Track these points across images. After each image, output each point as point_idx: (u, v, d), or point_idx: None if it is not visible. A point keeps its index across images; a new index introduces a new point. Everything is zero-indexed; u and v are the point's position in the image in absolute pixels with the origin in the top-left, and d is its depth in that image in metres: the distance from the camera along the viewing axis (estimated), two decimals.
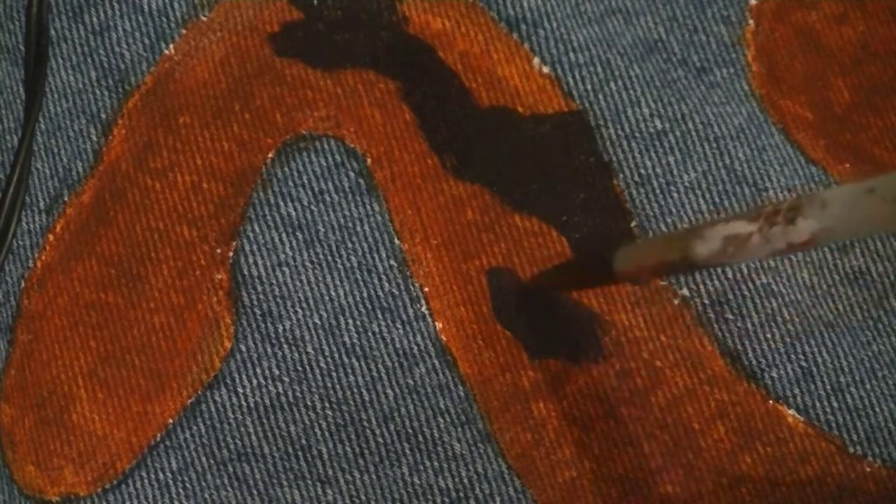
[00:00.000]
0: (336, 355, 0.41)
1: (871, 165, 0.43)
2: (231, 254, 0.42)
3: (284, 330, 0.41)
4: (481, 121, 0.43)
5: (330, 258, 0.42)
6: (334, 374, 0.41)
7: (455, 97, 0.43)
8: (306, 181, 0.42)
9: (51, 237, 0.43)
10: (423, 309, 0.41)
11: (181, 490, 0.41)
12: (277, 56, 0.44)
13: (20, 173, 0.42)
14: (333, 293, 0.42)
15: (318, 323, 0.41)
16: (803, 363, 0.40)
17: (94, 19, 0.44)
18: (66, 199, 0.43)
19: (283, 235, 0.42)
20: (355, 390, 0.41)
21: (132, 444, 0.41)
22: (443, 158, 0.43)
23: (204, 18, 0.44)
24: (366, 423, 0.41)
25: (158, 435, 0.41)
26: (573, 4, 0.44)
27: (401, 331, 0.41)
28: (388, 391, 0.41)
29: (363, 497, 0.40)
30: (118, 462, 0.41)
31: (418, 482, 0.40)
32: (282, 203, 0.42)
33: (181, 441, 0.41)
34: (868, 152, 0.43)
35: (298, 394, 0.41)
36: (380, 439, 0.41)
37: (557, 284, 0.41)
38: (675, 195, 0.42)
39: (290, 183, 0.42)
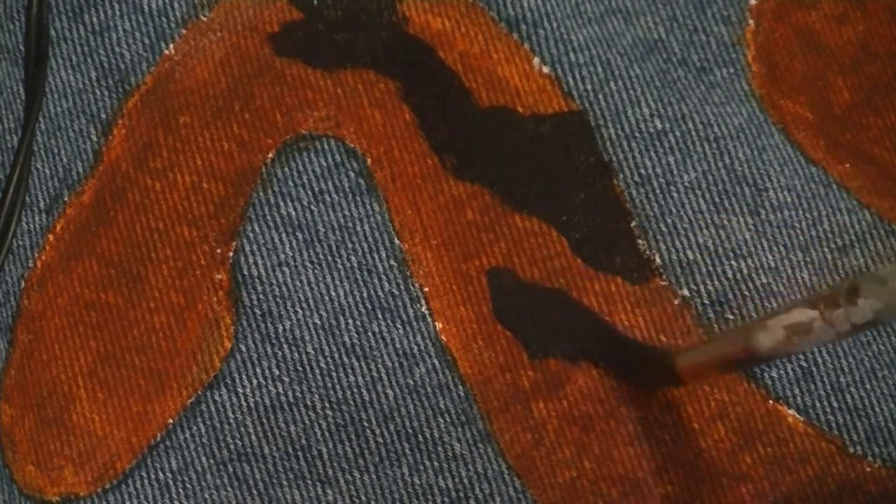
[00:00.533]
0: (336, 355, 0.41)
1: (871, 166, 0.43)
2: (231, 254, 0.42)
3: (284, 330, 0.41)
4: (481, 121, 0.43)
5: (330, 258, 0.42)
6: (334, 374, 0.41)
7: (455, 97, 0.43)
8: (306, 181, 0.42)
9: (51, 237, 0.43)
10: (423, 309, 0.41)
11: (181, 490, 0.41)
12: (277, 56, 0.44)
13: (20, 173, 0.42)
14: (333, 293, 0.42)
15: (318, 323, 0.41)
16: (803, 363, 0.40)
17: (94, 19, 0.44)
18: (66, 199, 0.43)
19: (283, 235, 0.42)
20: (355, 390, 0.41)
21: (132, 444, 0.41)
22: (443, 158, 0.43)
23: (204, 18, 0.44)
24: (366, 423, 0.41)
25: (158, 435, 0.41)
26: (573, 4, 0.44)
27: (401, 331, 0.41)
28: (388, 391, 0.41)
29: (363, 497, 0.40)
30: (118, 462, 0.41)
31: (418, 482, 0.40)
32: (282, 203, 0.42)
33: (181, 441, 0.41)
34: (868, 152, 0.43)
35: (298, 394, 0.41)
36: (380, 439, 0.41)
37: (623, 367, 0.41)
38: (675, 195, 0.42)
39: (290, 183, 0.42)
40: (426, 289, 0.42)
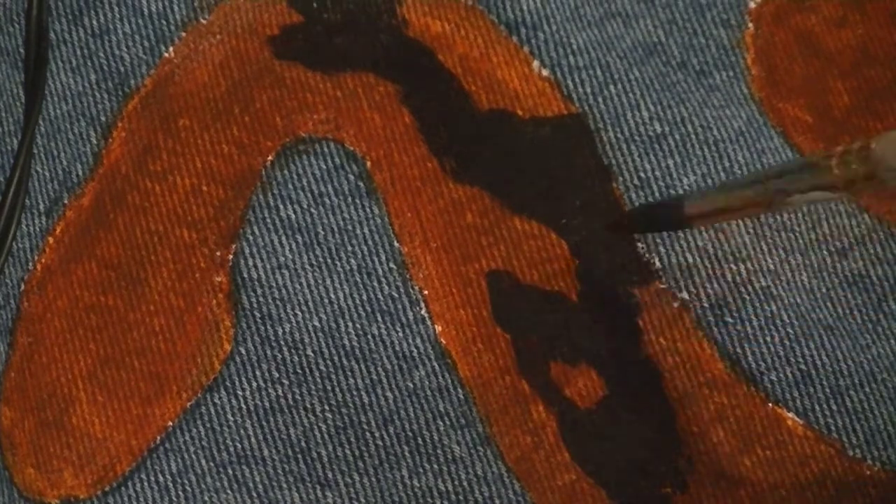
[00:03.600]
0: (336, 358, 0.41)
1: None
2: (231, 256, 0.42)
3: (284, 333, 0.41)
4: (481, 124, 0.43)
5: (329, 261, 0.42)
6: (334, 376, 0.41)
7: (455, 100, 0.43)
8: (306, 184, 0.42)
9: (50, 240, 0.43)
10: (423, 312, 0.41)
11: (181, 493, 0.41)
12: (277, 59, 0.44)
13: (20, 176, 0.42)
14: (333, 296, 0.42)
15: (318, 326, 0.41)
16: (803, 366, 0.40)
17: (94, 22, 0.44)
18: (65, 201, 0.43)
19: (283, 238, 0.42)
20: (355, 393, 0.41)
21: (132, 446, 0.41)
22: (442, 161, 0.43)
23: (203, 21, 0.44)
24: (365, 426, 0.41)
25: (158, 437, 0.41)
26: (573, 8, 0.44)
27: (400, 334, 0.41)
28: (388, 394, 0.41)
29: (363, 500, 0.40)
30: (118, 465, 0.41)
31: (418, 485, 0.40)
32: (281, 206, 0.42)
33: (181, 444, 0.41)
34: None
35: (298, 396, 0.41)
36: (379, 442, 0.41)
37: (626, 230, 0.41)
38: None
39: (290, 186, 0.42)
40: (426, 292, 0.42)
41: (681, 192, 0.42)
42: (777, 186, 0.35)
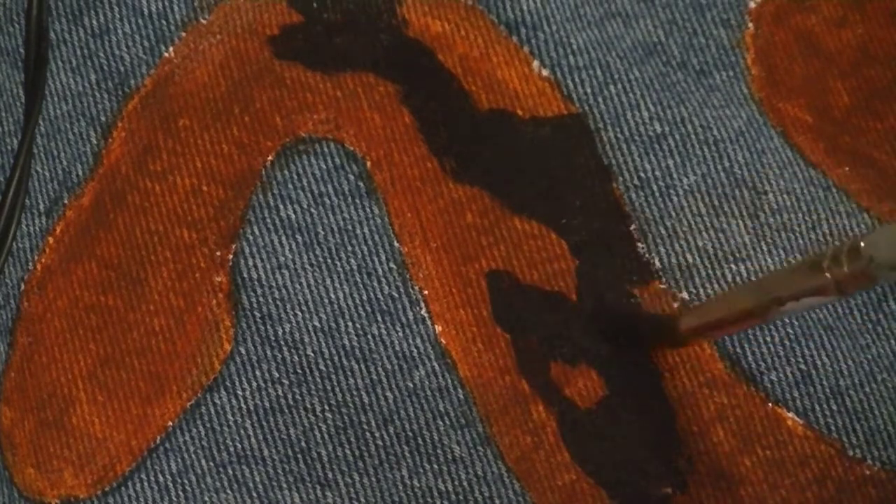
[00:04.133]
0: (336, 358, 0.41)
1: (870, 169, 0.43)
2: (231, 256, 0.42)
3: (284, 332, 0.41)
4: (481, 124, 0.43)
5: (329, 261, 0.42)
6: (334, 376, 0.41)
7: (455, 100, 0.43)
8: (306, 184, 0.42)
9: (50, 240, 0.43)
10: (423, 312, 0.41)
11: (181, 493, 0.41)
12: (277, 59, 0.44)
13: (20, 176, 0.42)
14: (333, 296, 0.42)
15: (318, 325, 0.41)
16: (802, 366, 0.40)
17: (94, 22, 0.44)
18: (65, 201, 0.43)
19: (283, 238, 0.42)
20: (355, 393, 0.41)
21: (132, 446, 0.41)
22: (442, 161, 0.43)
23: (203, 21, 0.44)
24: (365, 426, 0.41)
25: (158, 437, 0.41)
26: (573, 7, 0.44)
27: (400, 334, 0.41)
28: (388, 394, 0.41)
29: (363, 500, 0.40)
30: (118, 464, 0.41)
31: (418, 485, 0.40)
32: (281, 206, 0.42)
33: (181, 444, 0.41)
34: (867, 155, 0.43)
35: (298, 396, 0.41)
36: (379, 442, 0.41)
37: (628, 336, 0.41)
38: (675, 198, 0.42)
39: (290, 186, 0.42)
40: (426, 292, 0.42)
41: (681, 191, 0.42)
42: (772, 294, 0.35)
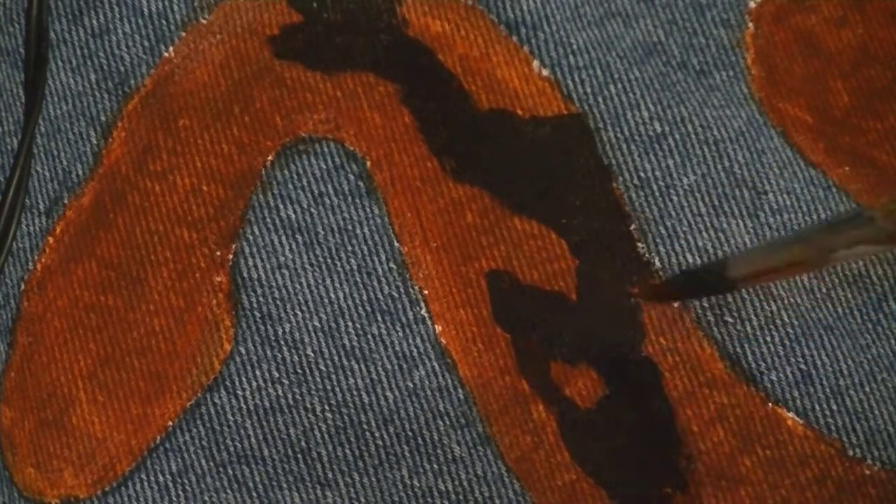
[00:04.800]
0: (336, 358, 0.41)
1: (870, 169, 0.43)
2: (231, 256, 0.42)
3: (284, 332, 0.41)
4: (481, 123, 0.43)
5: (329, 261, 0.42)
6: (334, 376, 0.41)
7: (454, 100, 0.43)
8: (306, 184, 0.42)
9: (50, 240, 0.43)
10: (423, 312, 0.41)
11: (181, 492, 0.41)
12: (277, 59, 0.44)
13: (20, 176, 0.42)
14: (333, 296, 0.42)
15: (318, 325, 0.41)
16: (803, 366, 0.40)
17: (94, 22, 0.44)
18: (65, 201, 0.43)
19: (283, 238, 0.42)
20: (355, 393, 0.41)
21: (132, 446, 0.41)
22: (442, 161, 0.43)
23: (203, 21, 0.44)
24: (365, 426, 0.41)
25: (158, 437, 0.41)
26: (573, 7, 0.44)
27: (400, 333, 0.41)
28: (388, 394, 0.41)
29: (363, 500, 0.40)
30: (118, 464, 0.41)
31: (418, 485, 0.40)
32: (281, 206, 0.42)
33: (181, 443, 0.41)
34: (867, 156, 0.43)
35: (298, 396, 0.41)
36: (379, 442, 0.41)
37: (666, 297, 0.41)
38: (675, 198, 0.42)
39: (290, 185, 0.42)
40: (426, 291, 0.42)
41: (681, 191, 0.42)
42: (822, 243, 0.35)
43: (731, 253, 0.41)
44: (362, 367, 0.41)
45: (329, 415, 0.41)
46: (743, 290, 0.41)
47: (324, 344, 0.41)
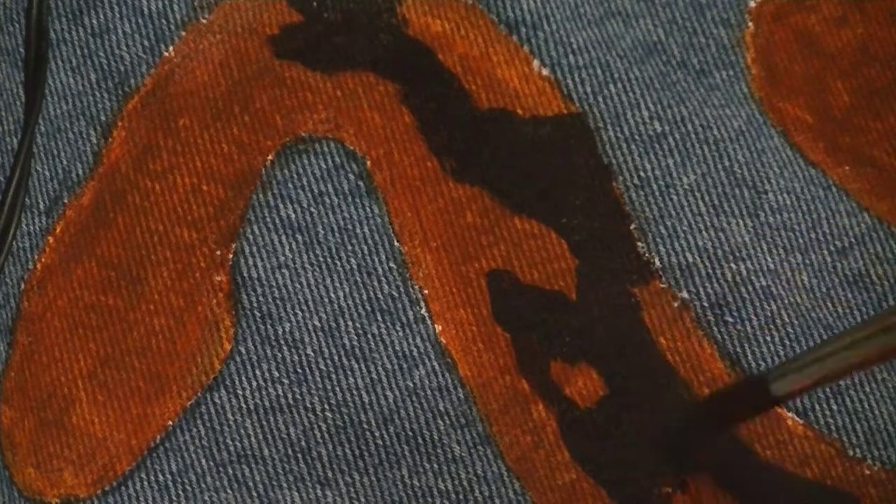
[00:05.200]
0: (336, 357, 0.41)
1: (870, 168, 0.43)
2: (231, 256, 0.42)
3: (284, 332, 0.41)
4: (481, 123, 0.43)
5: (329, 260, 0.42)
6: (334, 376, 0.41)
7: (455, 99, 0.43)
8: (306, 183, 0.43)
9: (50, 239, 0.43)
10: (423, 311, 0.41)
11: (181, 492, 0.41)
12: (277, 58, 0.44)
13: (20, 175, 0.42)
14: (333, 295, 0.42)
15: (318, 325, 0.41)
16: None
17: (94, 21, 0.44)
18: (65, 201, 0.43)
19: (283, 237, 0.42)
20: (355, 392, 0.41)
21: (132, 446, 0.41)
22: (442, 161, 0.43)
23: (203, 21, 0.44)
24: (365, 426, 0.41)
25: (158, 437, 0.41)
26: (573, 7, 0.44)
27: (400, 333, 0.41)
28: (388, 393, 0.41)
29: (363, 499, 0.40)
30: (118, 464, 0.41)
31: (418, 484, 0.40)
32: (281, 205, 0.42)
33: (181, 443, 0.41)
34: (867, 155, 0.43)
35: (298, 396, 0.41)
36: (379, 441, 0.41)
37: (713, 416, 0.40)
38: (675, 198, 0.42)
39: (290, 185, 0.42)
40: (426, 291, 0.42)
41: (681, 191, 0.42)
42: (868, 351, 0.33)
43: (729, 252, 0.41)
44: (362, 366, 0.41)
45: (329, 414, 0.41)
46: (742, 290, 0.41)
47: (324, 343, 0.41)
